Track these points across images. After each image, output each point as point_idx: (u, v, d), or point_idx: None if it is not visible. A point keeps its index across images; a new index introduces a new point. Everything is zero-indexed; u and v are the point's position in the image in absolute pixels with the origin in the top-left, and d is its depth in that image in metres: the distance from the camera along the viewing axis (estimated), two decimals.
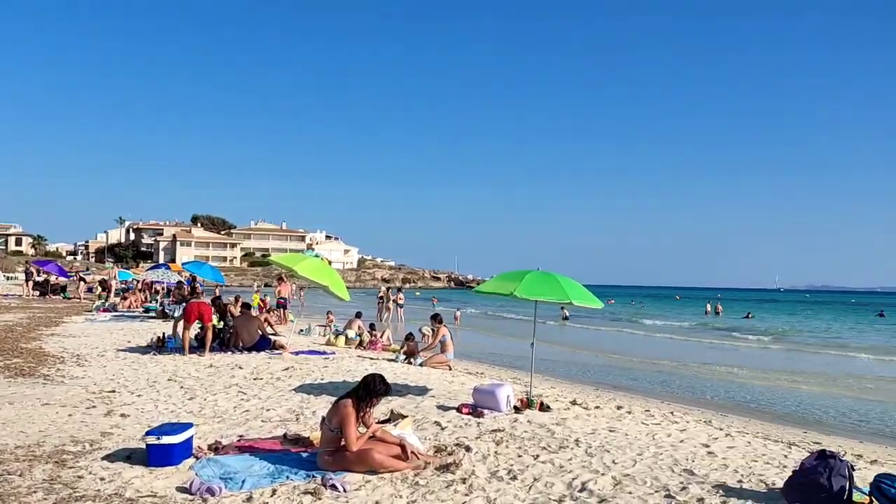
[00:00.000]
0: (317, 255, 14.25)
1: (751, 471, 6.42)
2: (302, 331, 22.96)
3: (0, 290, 37.46)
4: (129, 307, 29.61)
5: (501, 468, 6.26)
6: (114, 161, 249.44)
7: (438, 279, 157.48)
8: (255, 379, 11.23)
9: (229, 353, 14.68)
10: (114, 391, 9.97)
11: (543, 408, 9.23)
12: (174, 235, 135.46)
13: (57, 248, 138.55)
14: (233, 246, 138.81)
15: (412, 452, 6.35)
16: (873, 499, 5.09)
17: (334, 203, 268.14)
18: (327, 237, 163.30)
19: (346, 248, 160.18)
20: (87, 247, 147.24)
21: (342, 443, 6.21)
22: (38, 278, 41.17)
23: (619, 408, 10.09)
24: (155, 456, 6.38)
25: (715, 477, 6.13)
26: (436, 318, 15.13)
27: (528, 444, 7.20)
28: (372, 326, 20.79)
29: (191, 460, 6.47)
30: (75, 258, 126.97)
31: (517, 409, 8.98)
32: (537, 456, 6.70)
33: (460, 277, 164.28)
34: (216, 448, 6.97)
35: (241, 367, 12.36)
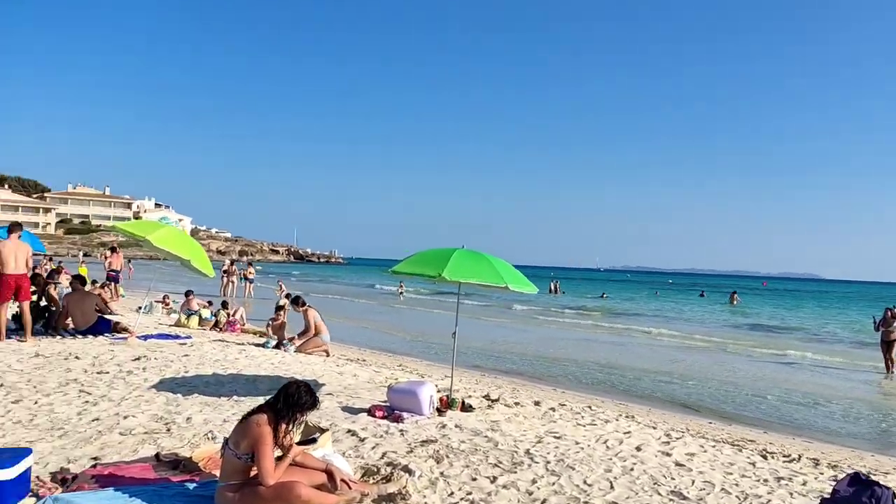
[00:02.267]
0: (175, 223, 12.02)
1: (741, 489, 5.57)
2: (141, 308, 20.18)
3: None
4: None
5: (459, 498, 4.95)
6: None
7: (277, 252, 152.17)
8: (98, 373, 9.06)
9: (58, 337, 12.15)
10: None
11: (465, 408, 8.02)
12: None
13: None
14: (46, 211, 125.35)
15: (342, 480, 4.88)
16: None
17: (165, 170, 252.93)
18: (157, 205, 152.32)
19: (179, 218, 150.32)
20: None
21: (253, 473, 4.63)
22: None
23: (537, 404, 9.10)
24: None
25: (713, 503, 5.20)
26: (297, 302, 13.34)
27: (474, 459, 5.93)
28: (225, 305, 18.61)
29: (30, 501, 4.64)
30: None
31: (439, 411, 7.69)
32: (494, 478, 5.45)
33: (300, 251, 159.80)
34: (63, 480, 5.10)
35: (77, 357, 10.04)
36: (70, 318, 12.66)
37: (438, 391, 8.80)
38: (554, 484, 5.39)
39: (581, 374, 14.55)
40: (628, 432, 7.63)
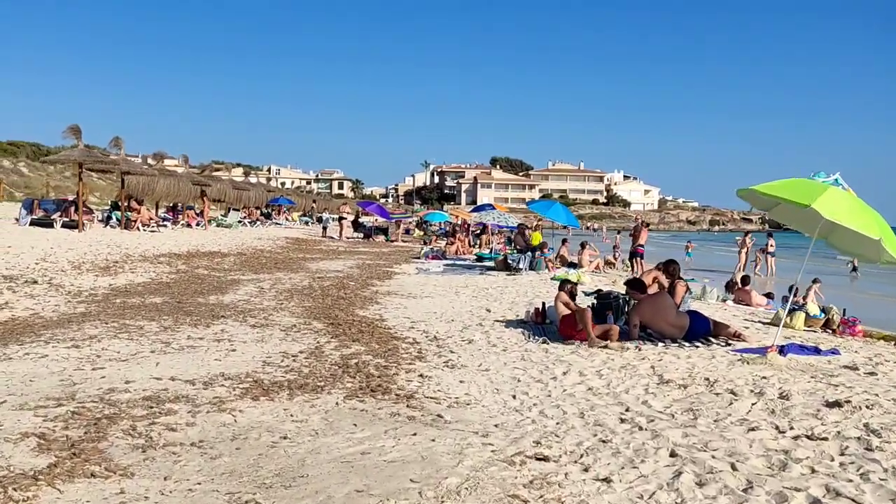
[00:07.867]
0: (836, 181, 7.83)
1: None
2: (689, 292, 16.76)
3: (329, 231, 36.80)
4: (457, 253, 26.08)
5: None
6: (421, 108, 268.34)
7: (750, 220, 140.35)
8: (796, 438, 5.33)
9: (647, 344, 9.01)
10: (545, 458, 4.80)
11: None
12: (475, 178, 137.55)
13: (372, 192, 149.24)
14: (531, 187, 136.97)
15: None
16: None
17: (631, 142, 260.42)
18: (625, 177, 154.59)
19: (647, 189, 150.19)
20: (396, 190, 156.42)
21: None
22: (363, 220, 40.50)
23: None
24: None
25: None
26: None
27: None
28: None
29: None
30: (387, 201, 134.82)
31: None
32: None
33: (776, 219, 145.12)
34: None
35: (735, 393, 6.54)
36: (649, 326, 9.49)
37: None
38: None
39: None
40: None
